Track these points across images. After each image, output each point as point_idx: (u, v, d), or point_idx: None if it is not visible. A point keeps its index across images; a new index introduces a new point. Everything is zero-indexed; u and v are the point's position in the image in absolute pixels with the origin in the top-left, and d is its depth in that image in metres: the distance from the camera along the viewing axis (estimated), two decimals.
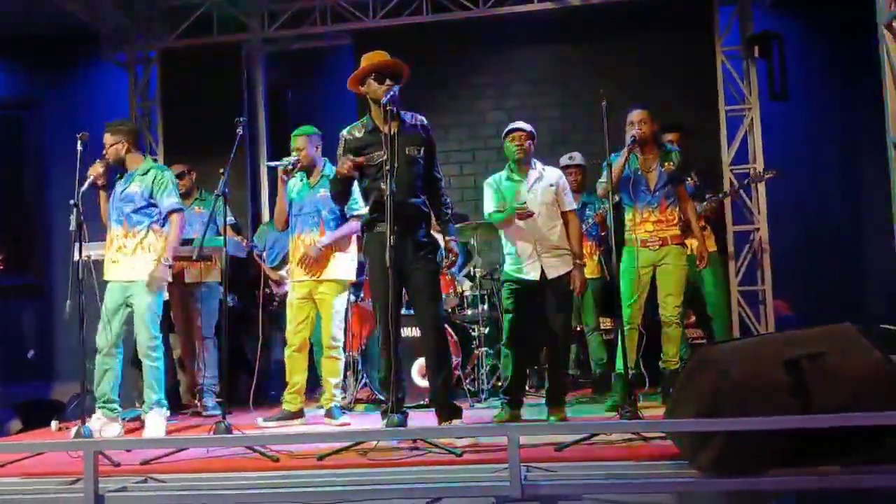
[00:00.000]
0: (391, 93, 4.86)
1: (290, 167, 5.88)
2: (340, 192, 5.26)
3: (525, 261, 5.55)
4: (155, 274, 5.65)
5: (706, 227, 6.83)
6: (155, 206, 5.78)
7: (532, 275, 5.54)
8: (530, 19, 8.54)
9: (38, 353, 9.59)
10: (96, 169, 5.73)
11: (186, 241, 6.57)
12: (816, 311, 7.70)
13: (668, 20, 8.41)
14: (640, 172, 5.95)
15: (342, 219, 6.02)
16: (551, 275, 5.56)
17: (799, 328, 4.17)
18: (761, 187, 8.11)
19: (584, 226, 6.87)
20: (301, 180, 6.08)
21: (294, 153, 5.96)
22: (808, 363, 3.68)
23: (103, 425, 5.73)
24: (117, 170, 5.92)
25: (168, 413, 5.91)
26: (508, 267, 5.65)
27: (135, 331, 5.78)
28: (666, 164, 6.00)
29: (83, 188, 5.52)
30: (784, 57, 8.14)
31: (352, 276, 6.14)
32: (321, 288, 5.98)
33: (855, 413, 3.44)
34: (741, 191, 7.45)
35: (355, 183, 5.23)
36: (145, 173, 5.81)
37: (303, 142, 5.99)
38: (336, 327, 6.01)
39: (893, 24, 6.08)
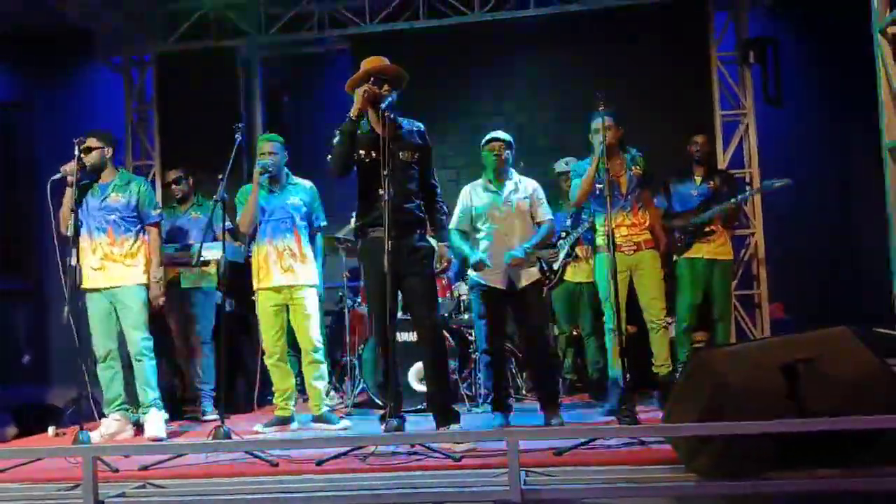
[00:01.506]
0: (390, 98, 4.88)
1: (270, 169, 5.90)
2: (342, 154, 5.01)
3: (493, 269, 5.58)
4: (154, 294, 5.86)
5: (715, 232, 6.82)
6: (138, 216, 5.90)
7: (499, 284, 5.58)
8: (527, 24, 8.56)
9: (32, 358, 9.57)
10: (73, 167, 5.62)
11: (184, 247, 6.63)
12: (812, 315, 7.72)
13: (663, 25, 8.43)
14: (610, 178, 5.98)
15: (309, 225, 6.11)
16: (521, 284, 5.62)
17: (795, 332, 4.19)
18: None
19: (580, 229, 6.90)
20: (262, 186, 6.02)
21: (266, 156, 5.96)
22: (804, 367, 3.70)
23: (120, 427, 5.84)
24: (86, 177, 5.88)
25: (166, 414, 5.98)
26: (475, 272, 5.66)
27: (127, 334, 5.84)
28: (633, 168, 6.06)
29: (55, 177, 5.56)
30: (779, 62, 8.17)
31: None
32: (297, 293, 6.00)
33: (851, 416, 3.46)
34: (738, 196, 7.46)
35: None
36: (127, 184, 5.92)
37: (275, 147, 6.01)
38: (315, 331, 6.04)
39: (888, 29, 6.09)
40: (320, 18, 8.85)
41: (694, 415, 3.82)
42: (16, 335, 9.80)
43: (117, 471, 4.42)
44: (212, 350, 6.92)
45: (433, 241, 5.35)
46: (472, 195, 5.75)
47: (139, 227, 5.92)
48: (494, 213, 5.66)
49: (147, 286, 5.89)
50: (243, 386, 7.60)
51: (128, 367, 5.99)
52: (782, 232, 8.35)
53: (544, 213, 5.78)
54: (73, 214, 5.37)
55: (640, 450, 4.41)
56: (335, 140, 5.05)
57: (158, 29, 9.10)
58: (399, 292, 5.19)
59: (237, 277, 7.09)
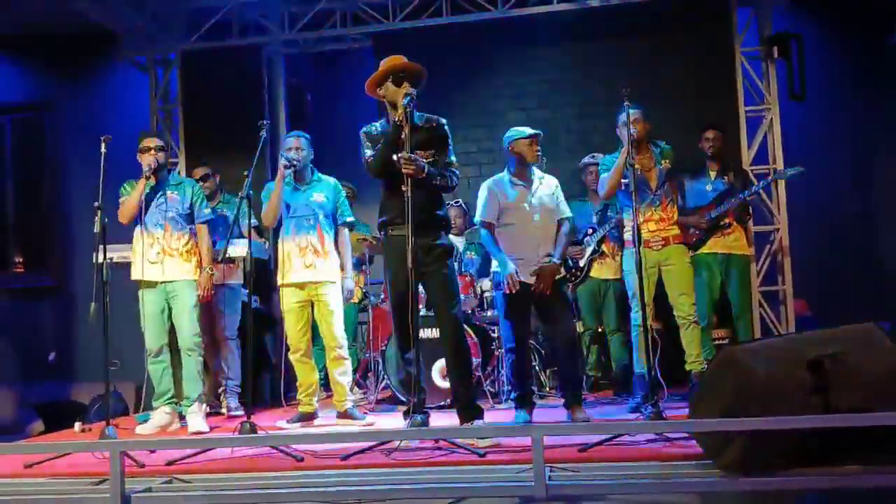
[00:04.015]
0: (410, 96, 4.87)
1: (295, 163, 5.97)
2: (387, 156, 4.91)
3: (521, 265, 5.56)
4: (204, 283, 6.10)
5: (731, 225, 6.79)
6: (190, 215, 6.17)
7: (525, 279, 5.55)
8: (549, 20, 8.52)
9: (58, 355, 9.65)
10: (152, 163, 6.02)
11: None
12: (837, 311, 7.66)
13: (686, 20, 8.38)
14: (639, 172, 5.94)
15: (334, 222, 6.16)
16: None
17: (820, 328, 4.16)
18: (781, 187, 8.08)
19: (607, 226, 6.91)
20: (288, 183, 6.10)
21: (292, 152, 6.03)
22: (830, 363, 3.68)
23: (170, 419, 6.09)
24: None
25: (207, 407, 6.31)
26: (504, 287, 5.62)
27: (178, 329, 6.09)
28: (663, 161, 6.02)
29: (144, 172, 5.98)
30: (803, 57, 8.11)
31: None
32: (320, 290, 6.04)
33: (878, 412, 3.43)
34: (762, 190, 7.40)
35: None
36: (179, 184, 6.22)
37: (301, 143, 6.09)
38: (338, 327, 6.08)
39: None
40: (343, 16, 8.86)
41: (719, 411, 3.80)
42: (42, 332, 9.89)
43: (143, 466, 4.46)
44: (237, 346, 6.97)
45: (454, 239, 5.33)
46: (502, 188, 5.72)
47: (191, 225, 6.19)
48: (523, 207, 5.64)
49: (198, 281, 6.15)
50: (268, 382, 7.65)
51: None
52: (807, 227, 8.29)
53: (565, 210, 5.79)
54: (99, 212, 5.38)
55: (666, 446, 4.40)
56: (380, 144, 5.03)
57: (182, 28, 9.12)
58: (421, 289, 5.21)
59: (262, 274, 7.13)
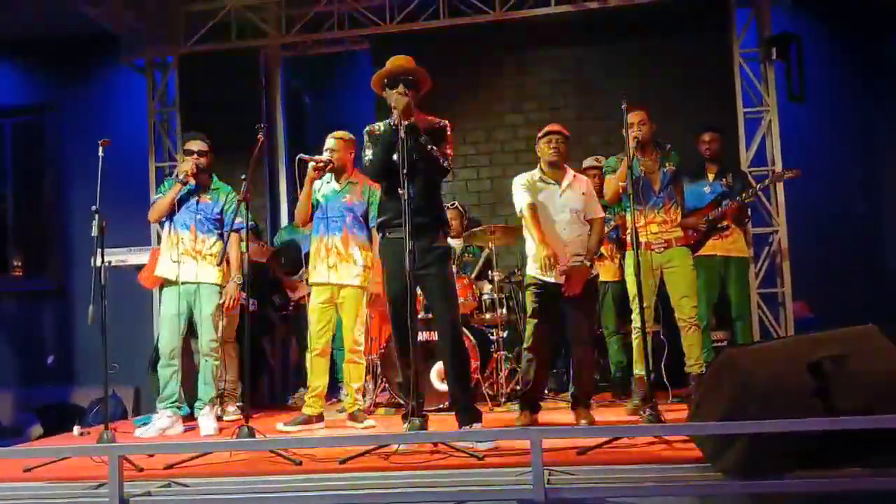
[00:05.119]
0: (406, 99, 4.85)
1: (323, 164, 5.92)
2: (384, 159, 4.94)
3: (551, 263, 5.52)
4: (231, 293, 6.10)
5: (729, 227, 6.79)
6: (220, 220, 6.20)
7: (557, 279, 5.52)
8: (547, 22, 8.52)
9: (56, 359, 9.65)
10: (192, 168, 6.09)
11: None
12: (837, 313, 7.66)
13: (685, 22, 8.39)
14: (644, 174, 5.92)
15: (365, 224, 6.10)
16: None
17: (820, 330, 4.15)
18: (780, 189, 8.07)
19: (606, 227, 6.88)
20: (328, 182, 6.11)
21: (327, 153, 6.01)
22: (831, 365, 3.67)
23: (172, 422, 6.05)
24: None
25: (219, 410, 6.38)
26: (533, 269, 5.61)
27: (199, 332, 6.13)
28: (667, 164, 6.01)
29: (180, 178, 6.06)
30: (802, 58, 8.11)
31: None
32: (343, 292, 6.02)
33: (879, 415, 3.42)
34: (760, 192, 7.40)
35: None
36: (216, 189, 6.24)
37: (338, 144, 6.05)
38: (358, 331, 6.06)
39: None
40: (340, 18, 8.86)
41: (719, 413, 3.79)
42: (41, 336, 9.88)
43: (142, 470, 4.43)
44: (234, 349, 6.95)
45: (451, 242, 5.32)
46: (532, 184, 5.67)
47: (220, 231, 6.21)
48: (550, 206, 5.60)
49: (222, 287, 6.15)
50: (266, 385, 7.63)
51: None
52: (806, 229, 8.29)
53: (599, 210, 5.76)
54: (97, 215, 5.35)
55: (665, 448, 4.39)
56: (378, 146, 5.02)
57: (180, 31, 9.12)
58: (419, 292, 5.19)
59: (258, 276, 7.11)
